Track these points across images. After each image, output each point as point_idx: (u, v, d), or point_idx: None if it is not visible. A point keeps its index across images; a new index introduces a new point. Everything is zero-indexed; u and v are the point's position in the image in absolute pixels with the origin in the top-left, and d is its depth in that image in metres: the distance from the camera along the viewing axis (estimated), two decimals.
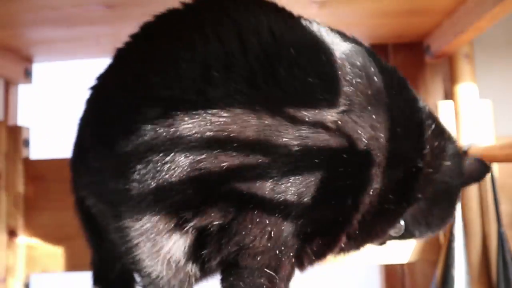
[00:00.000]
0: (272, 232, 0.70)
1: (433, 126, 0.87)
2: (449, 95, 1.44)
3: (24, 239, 1.49)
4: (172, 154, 0.68)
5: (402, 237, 0.99)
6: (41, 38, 1.41)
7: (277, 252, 0.72)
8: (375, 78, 0.77)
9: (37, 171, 1.51)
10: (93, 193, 0.83)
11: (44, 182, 1.50)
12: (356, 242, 0.90)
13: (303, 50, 0.75)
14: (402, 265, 1.60)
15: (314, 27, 0.81)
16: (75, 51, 1.53)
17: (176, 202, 0.71)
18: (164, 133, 0.68)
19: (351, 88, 0.74)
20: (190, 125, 0.68)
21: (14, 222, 1.50)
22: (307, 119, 0.69)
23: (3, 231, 1.49)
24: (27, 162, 1.53)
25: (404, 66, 1.62)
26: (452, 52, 1.40)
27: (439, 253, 1.34)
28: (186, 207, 0.72)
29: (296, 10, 0.88)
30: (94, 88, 0.89)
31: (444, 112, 1.39)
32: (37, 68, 1.62)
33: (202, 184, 0.69)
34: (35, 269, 1.50)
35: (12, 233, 1.49)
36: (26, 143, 1.54)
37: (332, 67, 0.74)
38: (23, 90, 1.63)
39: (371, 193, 0.75)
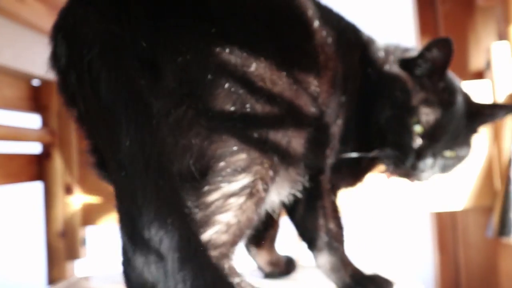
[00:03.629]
0: None
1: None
2: (503, 37, 1.39)
3: (80, 195, 1.54)
4: None
5: None
6: None
7: None
8: None
9: None
10: None
11: None
12: None
13: None
14: (453, 213, 1.59)
15: None
16: None
17: None
18: None
19: None
20: None
21: (69, 179, 1.55)
22: None
23: (59, 187, 1.54)
24: None
25: (453, 12, 1.58)
26: None
27: (493, 199, 1.32)
28: None
29: None
30: None
31: (499, 54, 1.34)
32: None
33: None
34: (91, 223, 1.55)
35: (68, 190, 1.55)
36: None
37: None
38: None
39: None
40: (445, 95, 0.96)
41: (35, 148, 1.57)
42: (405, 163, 0.94)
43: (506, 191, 1.26)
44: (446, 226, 1.60)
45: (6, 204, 1.99)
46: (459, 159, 1.00)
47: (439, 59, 0.95)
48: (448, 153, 0.97)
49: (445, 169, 0.99)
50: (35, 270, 1.62)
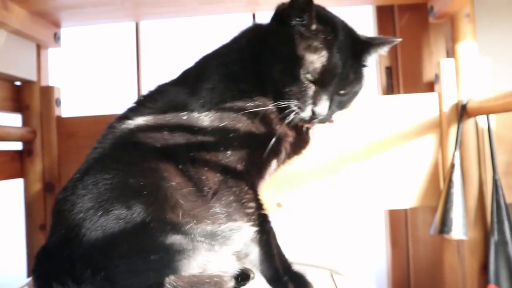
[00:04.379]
0: None
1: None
2: (451, 53, 1.53)
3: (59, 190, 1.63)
4: None
5: None
6: (70, 3, 1.52)
7: None
8: None
9: (69, 128, 1.64)
10: None
11: (76, 138, 1.63)
12: None
13: None
14: (405, 211, 1.74)
15: None
16: (100, 15, 1.64)
17: None
18: None
19: None
20: None
21: (50, 176, 1.64)
22: None
23: (40, 184, 1.63)
24: (60, 120, 1.66)
25: (409, 27, 1.72)
26: (454, 12, 1.48)
27: (438, 200, 1.46)
28: None
29: None
30: None
31: (446, 70, 1.48)
32: (64, 32, 1.74)
33: None
34: None
35: (49, 186, 1.64)
36: (58, 102, 1.67)
37: None
38: (53, 53, 1.75)
39: None
40: (324, 36, 0.99)
41: (17, 146, 1.65)
42: (305, 111, 0.99)
43: (447, 193, 1.41)
44: (399, 222, 1.76)
45: None
46: (354, 94, 1.06)
47: (304, 3, 0.97)
48: (342, 91, 1.02)
49: (342, 105, 1.05)
50: (16, 263, 1.70)
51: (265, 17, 1.83)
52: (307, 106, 0.99)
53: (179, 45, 2.03)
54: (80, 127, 1.64)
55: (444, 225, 1.40)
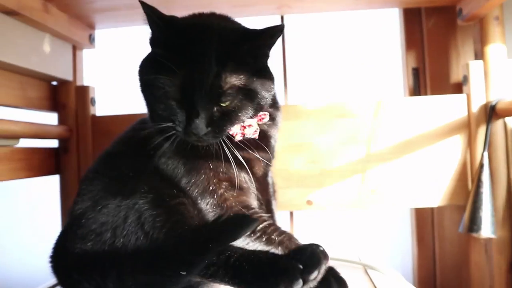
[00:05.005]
0: None
1: None
2: (479, 55, 1.55)
3: None
4: None
5: None
6: (106, 6, 1.57)
7: None
8: None
9: (103, 126, 1.69)
10: None
11: (110, 136, 1.67)
12: None
13: None
14: (432, 210, 1.77)
15: None
16: (134, 17, 1.68)
17: None
18: None
19: None
20: None
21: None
22: None
23: (76, 181, 1.68)
24: (94, 118, 1.71)
25: (436, 29, 1.74)
26: (483, 15, 1.51)
27: (466, 199, 1.49)
28: None
29: None
30: None
31: (475, 71, 1.51)
32: (99, 34, 1.79)
33: None
34: None
35: None
36: (93, 101, 1.72)
37: None
38: (87, 54, 1.80)
39: None
40: (182, 50, 0.90)
41: (53, 144, 1.70)
42: (182, 132, 0.92)
43: (476, 192, 1.44)
44: (425, 221, 1.79)
45: (27, 196, 2.12)
46: (245, 104, 0.95)
47: (158, 19, 0.92)
48: (223, 104, 0.92)
49: (235, 117, 0.95)
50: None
51: (294, 20, 1.87)
52: (180, 127, 0.92)
53: None
54: (114, 125, 1.69)
55: (473, 224, 1.42)
